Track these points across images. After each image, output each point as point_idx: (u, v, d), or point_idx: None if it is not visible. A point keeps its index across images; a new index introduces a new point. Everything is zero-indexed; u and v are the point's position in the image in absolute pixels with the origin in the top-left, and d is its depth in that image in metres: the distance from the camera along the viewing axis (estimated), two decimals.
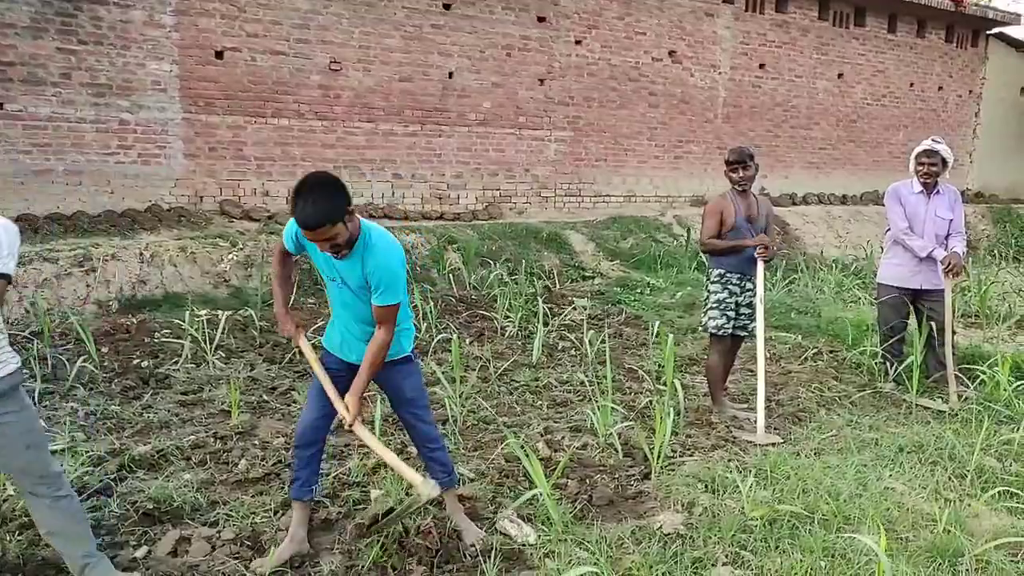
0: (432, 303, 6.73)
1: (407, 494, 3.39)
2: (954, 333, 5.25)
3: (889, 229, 5.28)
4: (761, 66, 13.01)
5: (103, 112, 8.10)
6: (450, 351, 5.03)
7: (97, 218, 7.95)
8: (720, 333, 4.53)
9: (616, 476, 3.72)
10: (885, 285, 5.29)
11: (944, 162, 5.06)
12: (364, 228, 2.78)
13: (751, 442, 4.19)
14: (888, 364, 5.29)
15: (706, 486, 3.53)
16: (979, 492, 3.55)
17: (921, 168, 5.07)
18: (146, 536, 3.09)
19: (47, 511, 2.63)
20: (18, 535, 2.97)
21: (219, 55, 8.62)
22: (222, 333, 5.70)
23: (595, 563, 2.80)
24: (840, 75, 13.96)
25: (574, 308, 7.28)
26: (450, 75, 10.13)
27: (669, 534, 3.09)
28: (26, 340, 5.60)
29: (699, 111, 12.51)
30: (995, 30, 15.91)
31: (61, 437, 3.92)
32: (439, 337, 5.89)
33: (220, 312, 6.30)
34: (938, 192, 5.13)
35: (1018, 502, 3.41)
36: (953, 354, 5.03)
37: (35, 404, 4.44)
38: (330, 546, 3.05)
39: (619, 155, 11.86)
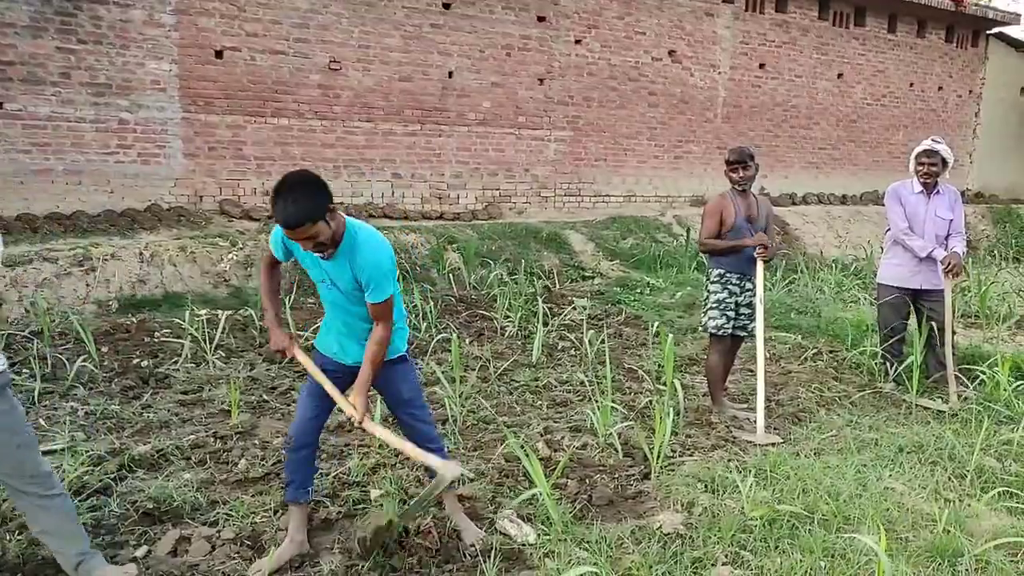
0: (432, 303, 6.73)
1: (407, 494, 3.40)
2: (954, 333, 5.26)
3: (889, 229, 5.28)
4: (761, 66, 13.01)
5: (103, 111, 8.10)
6: (450, 351, 5.03)
7: (97, 218, 7.95)
8: (720, 333, 4.53)
9: (616, 476, 3.72)
10: (885, 285, 5.29)
11: (944, 162, 5.06)
12: (350, 226, 2.76)
13: (751, 442, 4.19)
14: (888, 364, 5.29)
15: (706, 486, 3.53)
16: (979, 492, 3.55)
17: (921, 168, 5.07)
18: (146, 536, 3.09)
19: (39, 510, 2.63)
20: (18, 535, 2.96)
21: (219, 54, 8.62)
22: (222, 333, 5.70)
23: (595, 563, 2.81)
24: (840, 75, 13.97)
25: (574, 308, 7.27)
26: (450, 75, 10.13)
27: (669, 534, 3.09)
28: (26, 340, 5.60)
29: (699, 111, 12.51)
30: (995, 30, 15.91)
31: (61, 437, 3.92)
32: (439, 337, 5.89)
33: (220, 312, 6.30)
34: (938, 192, 5.13)
35: (1018, 502, 3.41)
36: (953, 354, 5.04)
37: (35, 403, 4.45)
38: (330, 546, 3.04)
39: (619, 155, 11.86)
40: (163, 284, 7.03)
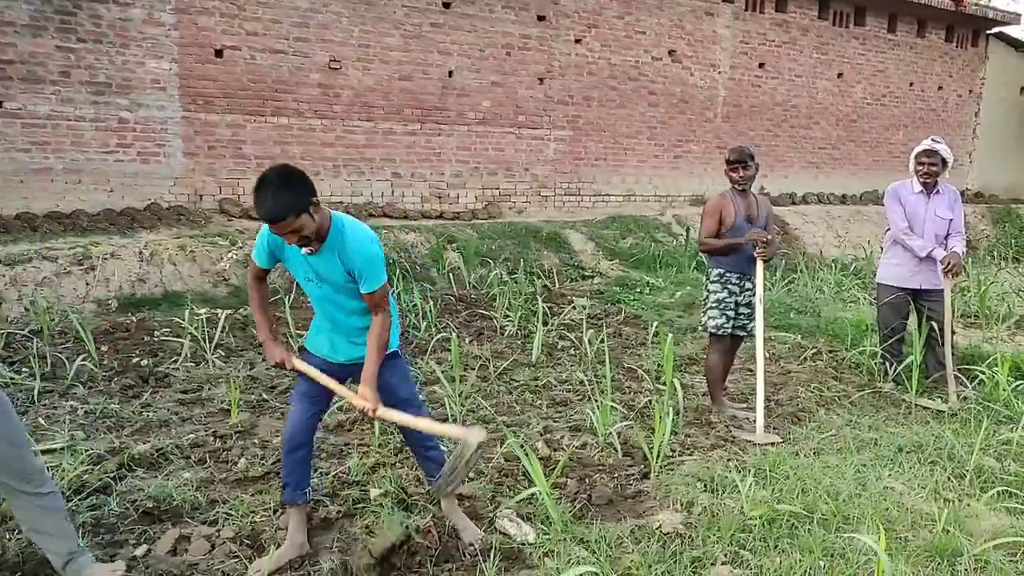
0: (432, 302, 6.73)
1: (406, 494, 3.40)
2: (953, 333, 5.26)
3: (889, 229, 5.28)
4: (761, 65, 13.01)
5: (102, 110, 8.10)
6: (449, 350, 5.03)
7: (96, 216, 7.95)
8: (719, 333, 4.53)
9: (615, 475, 3.72)
10: (885, 285, 5.29)
11: (944, 162, 5.06)
12: (336, 220, 2.76)
13: (750, 442, 4.19)
14: (887, 364, 5.29)
15: (705, 485, 3.53)
16: (978, 492, 3.55)
17: (921, 168, 5.07)
18: (146, 535, 3.09)
19: (31, 509, 2.62)
20: (17, 534, 2.96)
21: (219, 53, 8.62)
22: (222, 332, 5.70)
23: (594, 562, 2.81)
24: (840, 75, 13.97)
25: (573, 307, 7.27)
26: (450, 74, 10.13)
27: (668, 533, 3.09)
28: (25, 338, 5.60)
29: (699, 110, 12.51)
30: (995, 30, 15.92)
31: (60, 436, 3.92)
32: (438, 336, 5.89)
33: (219, 311, 6.31)
34: (938, 192, 5.13)
35: (1017, 502, 3.41)
36: (952, 354, 5.04)
37: (34, 402, 4.45)
38: (330, 545, 3.04)
39: (619, 154, 11.86)
40: (163, 283, 7.03)
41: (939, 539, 3.05)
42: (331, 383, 2.91)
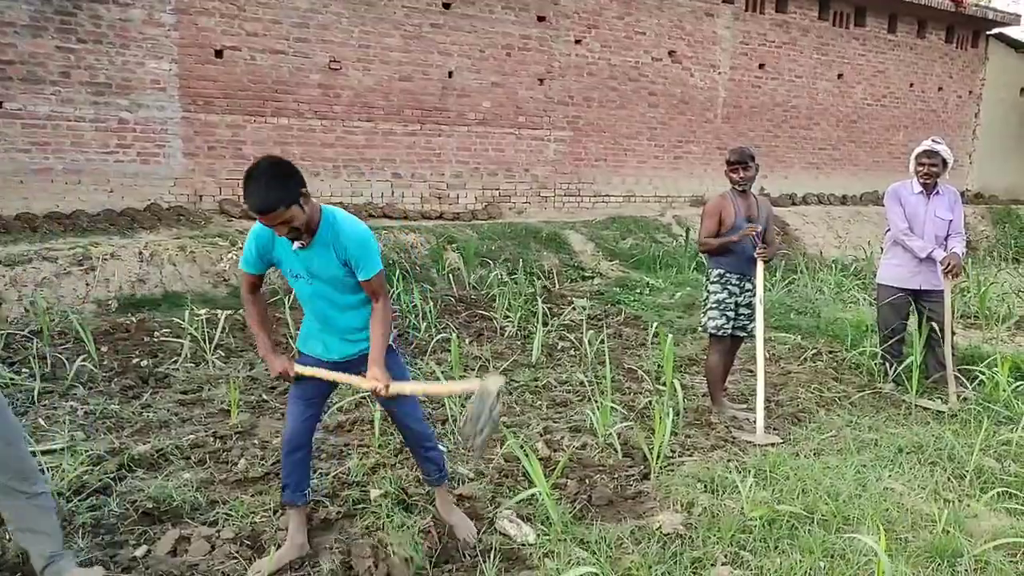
0: (431, 303, 6.73)
1: (407, 494, 3.40)
2: (953, 334, 5.26)
3: (889, 230, 5.28)
4: (761, 66, 13.01)
5: (102, 111, 8.10)
6: (449, 351, 5.03)
7: (96, 217, 7.95)
8: (719, 333, 4.52)
9: (615, 476, 3.72)
10: (885, 286, 5.29)
11: (944, 163, 5.06)
12: (327, 213, 2.75)
13: (750, 442, 4.19)
14: (888, 365, 5.29)
15: (705, 486, 3.53)
16: (978, 493, 3.55)
17: (921, 169, 5.07)
18: (145, 535, 3.08)
19: (27, 508, 2.61)
20: None
21: (219, 54, 8.62)
22: (221, 332, 5.70)
23: (594, 563, 2.80)
24: (840, 75, 13.97)
25: (573, 308, 7.27)
26: (450, 74, 10.13)
27: (668, 534, 3.09)
28: (25, 339, 5.60)
29: (699, 111, 12.51)
30: (995, 31, 15.92)
31: (60, 436, 3.92)
32: (439, 337, 5.89)
33: (219, 311, 6.30)
34: (938, 193, 5.13)
35: (1017, 503, 3.41)
36: (952, 355, 5.04)
37: (34, 403, 4.45)
38: (330, 546, 3.04)
39: (619, 155, 11.86)
40: (163, 283, 7.03)
41: (939, 540, 3.05)
42: (336, 375, 2.90)
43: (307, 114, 9.24)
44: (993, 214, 14.90)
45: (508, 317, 6.72)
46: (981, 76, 16.05)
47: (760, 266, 4.38)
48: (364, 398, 4.53)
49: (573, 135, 11.34)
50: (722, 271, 4.50)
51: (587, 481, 3.64)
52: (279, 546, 2.96)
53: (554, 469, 3.53)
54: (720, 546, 3.00)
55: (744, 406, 4.81)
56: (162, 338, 5.85)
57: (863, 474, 3.67)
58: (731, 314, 4.51)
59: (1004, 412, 4.55)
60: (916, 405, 4.79)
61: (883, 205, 5.42)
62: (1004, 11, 15.86)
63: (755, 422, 4.34)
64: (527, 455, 3.23)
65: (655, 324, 6.44)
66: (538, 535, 3.10)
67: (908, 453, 3.98)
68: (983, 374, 5.02)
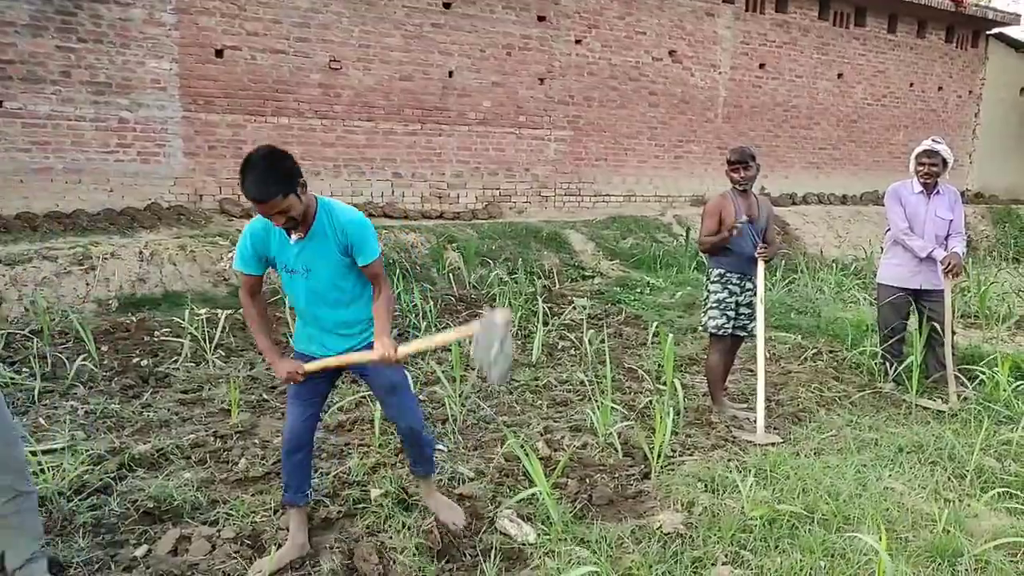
0: (432, 302, 6.73)
1: (407, 494, 3.40)
2: (954, 333, 5.26)
3: (889, 229, 5.28)
4: (761, 66, 13.01)
5: (103, 110, 8.10)
6: (450, 350, 5.03)
7: (96, 216, 7.95)
8: (720, 333, 4.52)
9: (616, 476, 3.72)
10: (885, 285, 5.29)
11: (944, 162, 5.06)
12: (323, 203, 2.78)
13: (751, 442, 4.19)
14: (888, 364, 5.29)
15: (706, 486, 3.53)
16: (978, 492, 3.55)
17: (921, 168, 5.07)
18: (146, 535, 3.08)
19: (10, 504, 2.60)
20: None
21: (219, 53, 8.62)
22: (222, 332, 5.70)
23: (595, 563, 2.80)
24: (840, 75, 13.97)
25: (574, 308, 7.27)
26: (450, 74, 10.13)
27: (669, 533, 3.09)
28: (25, 338, 5.60)
29: (699, 111, 12.51)
30: (995, 30, 15.92)
31: (61, 436, 3.92)
32: None
33: (220, 311, 6.30)
34: (938, 192, 5.13)
35: (1017, 502, 3.41)
36: (953, 354, 5.04)
37: (35, 403, 4.45)
38: (330, 546, 3.04)
39: (619, 155, 11.86)
40: (163, 283, 7.03)
41: (939, 539, 3.05)
42: (344, 357, 2.91)
43: (307, 114, 9.24)
44: (993, 214, 14.90)
45: None
46: (981, 76, 16.05)
47: (761, 266, 4.38)
48: (364, 398, 4.53)
49: (573, 135, 11.34)
50: (723, 271, 4.50)
51: (587, 480, 3.64)
52: (280, 546, 2.96)
53: (554, 469, 3.53)
54: (720, 545, 3.00)
55: (744, 405, 4.81)
56: (162, 337, 5.85)
57: (863, 474, 3.67)
58: (731, 314, 4.51)
59: (1004, 412, 4.55)
60: (916, 405, 4.79)
61: (883, 205, 5.42)
62: (1004, 11, 15.86)
63: (755, 421, 4.34)
64: (527, 454, 3.23)
65: (655, 324, 6.44)
66: (539, 535, 3.10)
67: (908, 453, 3.98)
68: (983, 374, 5.02)
